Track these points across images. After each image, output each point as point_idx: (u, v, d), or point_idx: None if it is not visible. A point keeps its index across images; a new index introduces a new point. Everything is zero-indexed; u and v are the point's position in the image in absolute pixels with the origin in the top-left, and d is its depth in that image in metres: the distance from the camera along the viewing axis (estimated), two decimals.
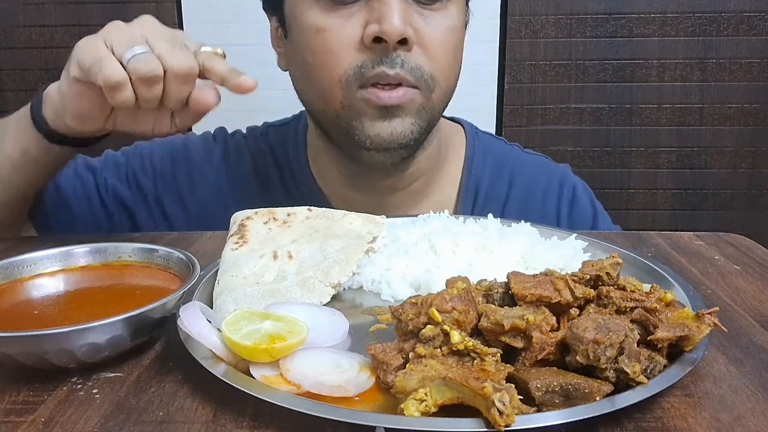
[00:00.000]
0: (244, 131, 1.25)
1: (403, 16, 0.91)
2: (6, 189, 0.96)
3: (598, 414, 0.47)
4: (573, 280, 0.58)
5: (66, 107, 0.81)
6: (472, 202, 1.15)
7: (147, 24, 0.78)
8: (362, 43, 0.93)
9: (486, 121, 2.36)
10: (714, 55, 2.29)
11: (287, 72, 1.08)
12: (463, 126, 1.23)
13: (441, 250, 0.78)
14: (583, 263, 0.63)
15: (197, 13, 2.32)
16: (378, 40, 0.91)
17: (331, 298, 0.70)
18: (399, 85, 0.95)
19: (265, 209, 0.84)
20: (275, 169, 1.18)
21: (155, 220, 1.16)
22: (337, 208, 0.98)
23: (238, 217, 0.83)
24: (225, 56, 0.80)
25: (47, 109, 0.85)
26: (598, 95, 2.35)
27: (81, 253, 0.73)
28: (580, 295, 0.57)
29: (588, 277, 0.60)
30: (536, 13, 2.29)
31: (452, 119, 1.23)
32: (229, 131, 1.25)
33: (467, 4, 1.06)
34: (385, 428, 0.46)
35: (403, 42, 0.92)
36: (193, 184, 1.17)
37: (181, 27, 2.33)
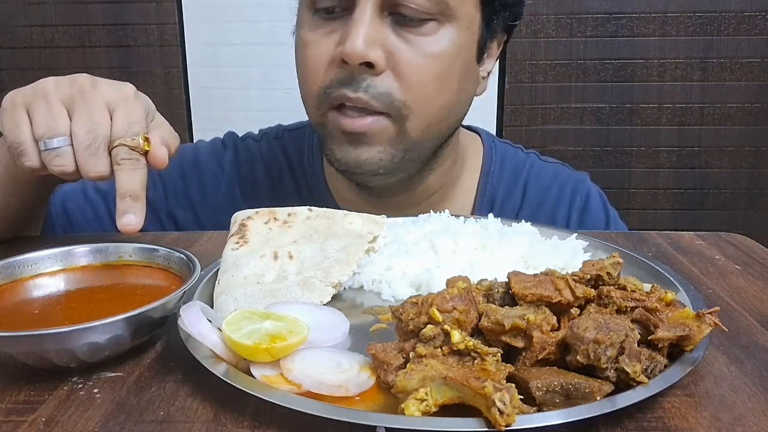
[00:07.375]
0: (256, 133, 1.21)
1: (368, 37, 0.86)
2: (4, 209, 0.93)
3: (598, 414, 0.47)
4: (573, 280, 0.58)
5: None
6: (487, 213, 1.14)
7: (78, 99, 0.73)
8: (334, 63, 0.90)
9: (486, 120, 2.36)
10: (714, 54, 2.29)
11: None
12: (480, 135, 1.19)
13: (441, 249, 0.78)
14: (584, 263, 0.63)
15: (197, 13, 2.32)
16: (345, 61, 0.87)
17: (332, 298, 0.70)
18: (367, 111, 0.90)
19: (266, 209, 0.84)
20: (290, 175, 1.15)
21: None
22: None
23: (238, 216, 0.83)
24: (148, 143, 0.74)
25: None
26: (598, 95, 2.35)
27: (81, 253, 0.73)
28: (581, 295, 0.57)
29: (588, 276, 0.60)
30: (536, 12, 2.29)
31: (469, 128, 1.19)
32: (240, 134, 1.21)
33: (490, 24, 0.97)
34: (385, 428, 0.46)
35: (370, 65, 0.87)
36: (204, 194, 1.15)
37: (181, 27, 2.33)
